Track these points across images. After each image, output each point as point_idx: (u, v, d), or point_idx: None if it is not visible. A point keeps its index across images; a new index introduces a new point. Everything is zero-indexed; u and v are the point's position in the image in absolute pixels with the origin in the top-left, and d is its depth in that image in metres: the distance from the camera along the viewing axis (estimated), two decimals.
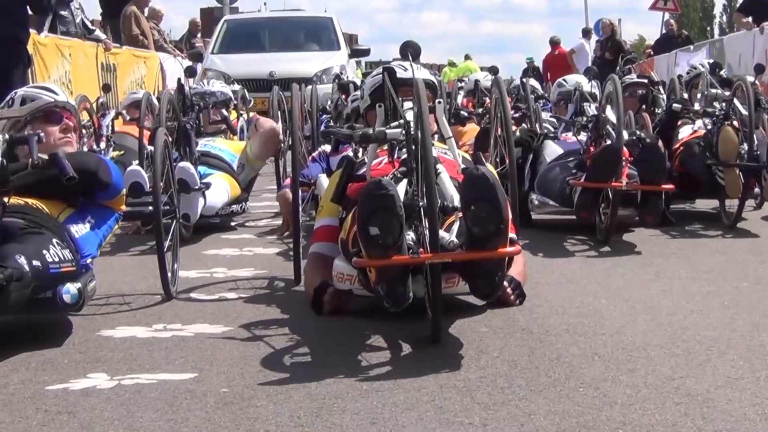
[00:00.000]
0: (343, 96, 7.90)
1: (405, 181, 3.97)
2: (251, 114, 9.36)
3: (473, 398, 3.22)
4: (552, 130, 7.19)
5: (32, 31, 9.47)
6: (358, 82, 8.14)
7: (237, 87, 9.71)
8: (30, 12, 8.88)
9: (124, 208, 4.62)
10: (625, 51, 16.43)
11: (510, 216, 3.83)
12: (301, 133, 7.02)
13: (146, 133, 6.53)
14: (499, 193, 3.64)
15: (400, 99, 4.22)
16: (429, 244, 3.70)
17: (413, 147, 3.90)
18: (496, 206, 3.62)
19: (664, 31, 19.89)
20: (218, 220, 7.07)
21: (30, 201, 4.17)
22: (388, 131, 4.19)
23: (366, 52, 18.78)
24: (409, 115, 4.00)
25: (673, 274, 5.20)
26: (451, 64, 29.04)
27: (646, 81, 8.07)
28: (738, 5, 13.10)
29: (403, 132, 4.01)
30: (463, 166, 4.26)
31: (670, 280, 5.05)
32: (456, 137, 5.43)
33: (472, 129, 8.45)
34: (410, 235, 3.73)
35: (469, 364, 3.59)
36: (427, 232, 3.73)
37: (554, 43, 21.33)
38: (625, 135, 6.15)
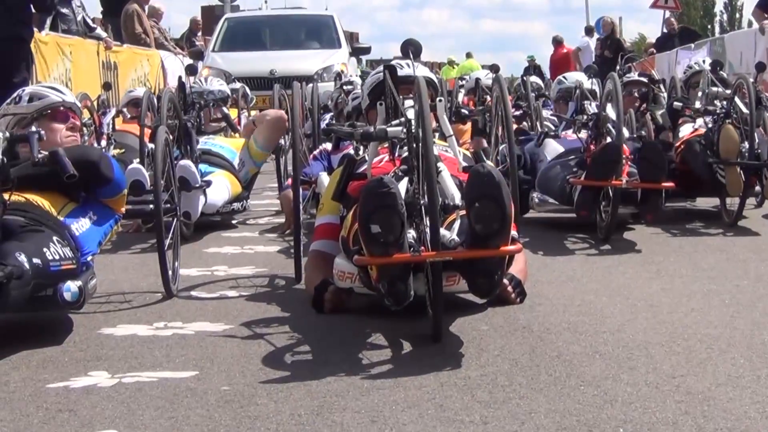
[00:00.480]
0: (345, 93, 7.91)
1: (406, 179, 3.97)
2: (253, 112, 9.37)
3: (474, 396, 3.22)
4: (552, 128, 7.20)
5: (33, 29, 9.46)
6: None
7: (238, 85, 9.72)
8: (33, 10, 8.86)
9: (123, 210, 4.62)
10: (625, 49, 16.42)
11: (513, 214, 3.83)
12: (302, 131, 7.02)
13: (147, 132, 6.54)
14: (505, 191, 3.64)
15: (401, 97, 4.22)
16: (430, 242, 3.70)
17: (414, 145, 3.90)
18: (500, 204, 3.62)
19: (665, 30, 19.88)
20: (219, 218, 7.07)
21: (31, 197, 4.17)
22: (389, 129, 4.19)
23: (367, 51, 18.79)
24: (410, 113, 4.00)
25: (673, 272, 5.20)
26: (451, 63, 29.05)
27: (646, 79, 8.08)
28: (758, 1, 12.98)
29: (404, 130, 4.01)
30: (464, 164, 4.27)
31: (670, 278, 5.05)
32: (457, 135, 5.43)
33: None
34: (411, 233, 3.73)
35: (470, 362, 3.59)
36: (428, 230, 3.73)
37: (558, 42, 21.35)
38: (626, 133, 6.15)
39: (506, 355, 3.67)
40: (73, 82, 11.33)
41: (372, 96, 4.78)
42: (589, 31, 20.86)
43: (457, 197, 3.92)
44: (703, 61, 8.07)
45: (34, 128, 4.26)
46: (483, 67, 20.08)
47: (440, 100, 4.36)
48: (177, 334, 4.13)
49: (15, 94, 4.69)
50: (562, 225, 6.67)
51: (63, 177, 4.04)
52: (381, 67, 4.65)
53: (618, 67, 8.68)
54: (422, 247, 3.70)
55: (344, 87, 8.36)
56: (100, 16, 15.56)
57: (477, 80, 9.48)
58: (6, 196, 3.97)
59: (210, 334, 4.11)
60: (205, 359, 3.73)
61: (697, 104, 7.08)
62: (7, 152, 4.05)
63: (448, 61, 29.91)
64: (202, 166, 6.74)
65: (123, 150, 7.58)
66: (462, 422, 3.00)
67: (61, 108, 4.62)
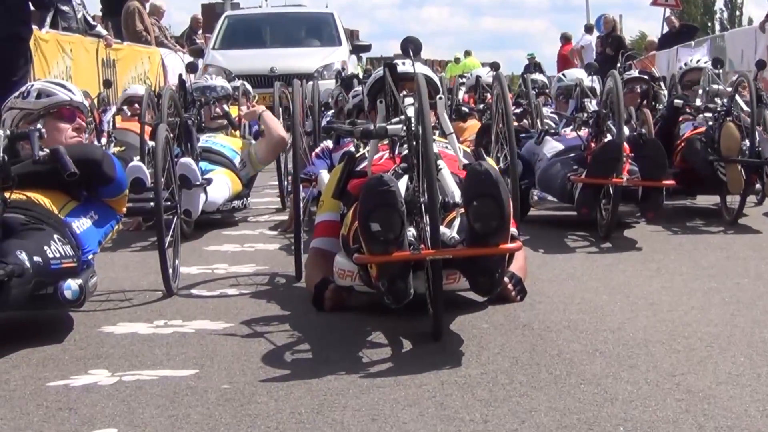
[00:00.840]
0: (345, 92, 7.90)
1: (406, 177, 3.97)
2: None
3: (474, 395, 3.22)
4: (553, 126, 7.20)
5: (33, 27, 9.46)
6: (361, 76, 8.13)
7: (238, 83, 9.71)
8: (32, 8, 8.86)
9: (124, 210, 4.62)
10: (626, 47, 16.42)
11: (511, 212, 3.83)
12: (302, 129, 7.02)
13: (147, 129, 6.53)
14: (502, 189, 3.64)
15: (401, 95, 4.22)
16: (430, 240, 3.69)
17: (414, 143, 3.90)
18: (498, 202, 3.62)
19: (666, 29, 19.87)
20: (219, 216, 7.07)
21: (32, 195, 4.17)
22: (389, 127, 4.19)
23: (367, 48, 18.78)
24: (410, 111, 4.00)
25: (674, 270, 5.19)
26: (457, 60, 29.09)
27: (646, 77, 8.08)
28: None
29: (404, 128, 4.01)
30: (464, 161, 4.26)
31: (671, 276, 5.05)
32: (457, 133, 5.43)
33: (473, 125, 8.46)
34: (411, 231, 3.73)
35: (470, 360, 3.59)
36: (428, 228, 3.73)
37: (566, 39, 21.34)
38: (626, 131, 6.15)
39: (506, 354, 3.67)
40: (73, 79, 11.33)
41: (372, 93, 4.78)
42: (589, 29, 20.86)
43: (457, 195, 3.92)
44: (692, 59, 8.07)
45: (39, 125, 4.26)
46: (483, 65, 20.08)
47: (440, 98, 4.36)
48: (177, 332, 4.13)
49: (23, 88, 4.67)
50: (562, 223, 6.67)
51: (64, 175, 4.04)
52: (381, 67, 4.65)
53: (619, 65, 8.68)
54: (422, 246, 3.70)
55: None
56: (100, 14, 15.56)
57: (477, 78, 9.47)
58: (7, 194, 3.97)
59: (210, 332, 4.11)
60: (206, 357, 3.73)
61: (698, 102, 7.09)
62: (7, 150, 4.05)
63: (454, 58, 29.94)
64: (203, 164, 6.73)
65: (123, 148, 7.57)
66: (462, 420, 3.00)
67: (68, 107, 4.60)
